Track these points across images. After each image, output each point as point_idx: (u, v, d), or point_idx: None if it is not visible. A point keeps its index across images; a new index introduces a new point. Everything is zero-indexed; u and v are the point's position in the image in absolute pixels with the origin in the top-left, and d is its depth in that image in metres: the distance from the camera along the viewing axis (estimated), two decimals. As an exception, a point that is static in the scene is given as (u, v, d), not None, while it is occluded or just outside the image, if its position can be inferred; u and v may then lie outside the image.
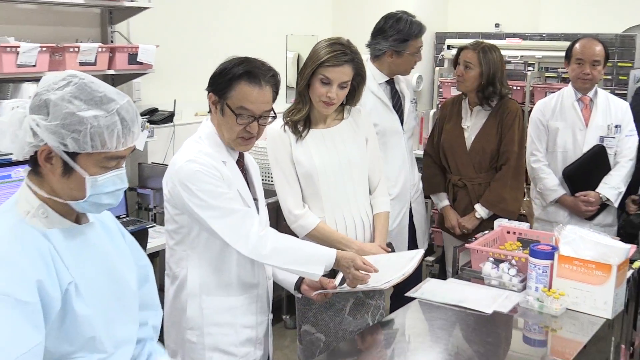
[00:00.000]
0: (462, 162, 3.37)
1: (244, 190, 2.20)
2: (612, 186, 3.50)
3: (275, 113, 2.16)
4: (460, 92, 3.47)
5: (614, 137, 3.52)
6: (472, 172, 3.36)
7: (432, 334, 2.31)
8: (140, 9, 3.89)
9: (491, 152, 3.31)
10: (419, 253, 2.43)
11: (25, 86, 3.35)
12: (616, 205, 3.56)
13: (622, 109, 3.60)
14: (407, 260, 2.35)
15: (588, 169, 3.51)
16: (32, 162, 1.47)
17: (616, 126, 3.53)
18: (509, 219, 3.15)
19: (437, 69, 5.30)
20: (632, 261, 2.71)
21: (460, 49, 3.35)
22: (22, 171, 1.55)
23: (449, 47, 5.19)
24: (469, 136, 3.35)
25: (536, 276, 2.53)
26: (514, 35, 5.19)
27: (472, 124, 3.35)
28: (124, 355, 1.62)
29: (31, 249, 1.41)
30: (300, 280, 2.34)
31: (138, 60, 3.84)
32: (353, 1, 5.37)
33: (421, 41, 3.23)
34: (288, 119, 2.58)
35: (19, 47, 3.23)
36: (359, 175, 2.67)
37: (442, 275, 3.57)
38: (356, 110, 2.67)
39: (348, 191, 2.65)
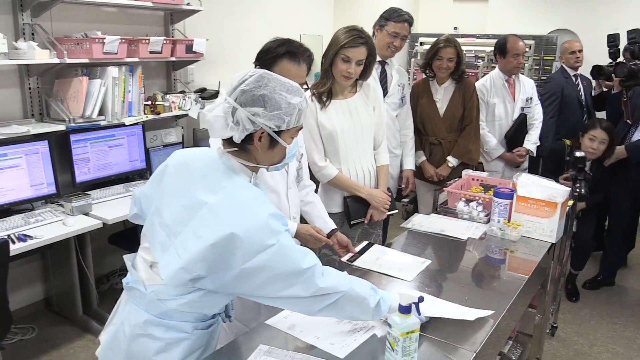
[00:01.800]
0: (438, 125, 3.29)
1: None
2: (533, 142, 3.63)
3: (308, 85, 2.01)
4: (426, 76, 3.35)
5: (529, 107, 3.61)
6: (445, 133, 3.29)
7: (422, 254, 2.20)
8: (194, 12, 3.77)
9: (459, 116, 3.26)
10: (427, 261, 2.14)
11: (110, 69, 3.19)
12: (535, 154, 3.69)
13: (531, 85, 3.69)
14: (421, 262, 2.07)
15: (518, 132, 3.59)
16: (239, 143, 1.41)
17: (529, 98, 3.62)
18: (473, 166, 3.24)
19: (412, 60, 5.21)
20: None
21: (439, 48, 3.18)
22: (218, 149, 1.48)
23: (421, 44, 5.05)
24: (441, 106, 3.28)
25: (499, 211, 2.44)
26: (469, 36, 5.13)
27: (442, 96, 3.28)
28: None
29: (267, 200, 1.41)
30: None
31: (193, 50, 3.68)
32: (350, 6, 5.21)
33: (401, 29, 2.95)
34: (315, 90, 2.42)
35: (104, 38, 3.07)
36: (368, 136, 2.54)
37: (415, 212, 3.49)
38: (366, 84, 2.52)
39: (360, 149, 2.53)
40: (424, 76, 3.41)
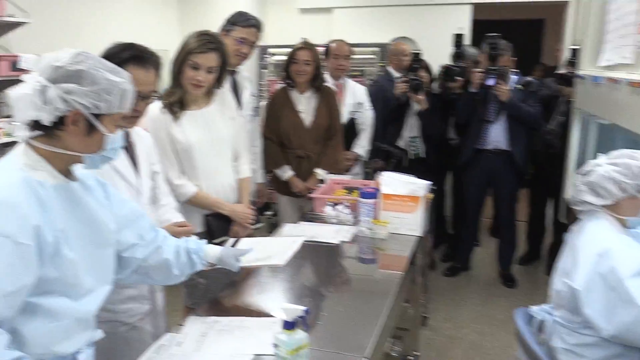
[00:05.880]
0: (304, 137, 3.10)
1: (127, 171, 1.81)
2: (362, 146, 3.52)
3: (158, 93, 1.81)
4: (284, 85, 3.18)
5: (360, 112, 3.53)
6: (311, 145, 3.10)
7: (297, 262, 2.11)
8: (19, 24, 3.32)
9: (324, 127, 3.11)
10: (300, 238, 2.11)
11: None
12: (366, 158, 3.61)
13: (361, 91, 3.62)
14: (291, 242, 2.03)
15: (346, 136, 3.41)
16: (47, 126, 1.20)
17: (360, 104, 3.54)
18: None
19: (264, 71, 5.12)
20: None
21: (295, 50, 3.05)
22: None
23: (271, 55, 4.98)
24: (306, 117, 3.10)
25: (366, 211, 2.43)
26: (317, 46, 5.12)
27: (306, 107, 3.11)
28: (98, 296, 1.35)
29: (31, 196, 1.17)
30: None
31: (19, 67, 3.22)
32: (196, 17, 5.01)
33: (249, 34, 2.79)
34: (165, 101, 2.21)
35: None
36: (227, 148, 2.37)
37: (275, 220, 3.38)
38: (222, 93, 2.36)
39: (219, 163, 2.35)
40: (278, 86, 3.29)
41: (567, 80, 3.50)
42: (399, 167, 3.59)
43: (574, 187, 1.82)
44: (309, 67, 3.00)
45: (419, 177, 2.64)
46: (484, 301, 3.61)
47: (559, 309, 1.84)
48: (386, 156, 3.70)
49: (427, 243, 3.00)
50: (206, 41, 2.13)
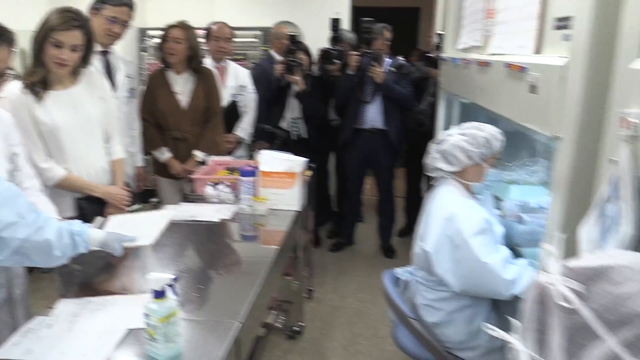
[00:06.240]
0: (182, 120, 3.08)
1: None
2: (244, 129, 3.55)
3: (14, 71, 1.72)
4: (162, 65, 3.14)
5: (242, 95, 3.56)
6: (188, 127, 3.09)
7: (176, 244, 2.13)
8: None
9: (203, 108, 3.10)
10: (168, 212, 2.17)
11: None
12: (249, 141, 3.64)
13: (244, 74, 3.65)
14: (160, 217, 2.06)
15: (228, 118, 3.42)
16: None
17: (243, 86, 3.57)
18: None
19: (144, 54, 4.96)
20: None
21: (166, 29, 3.03)
22: None
23: (151, 37, 4.83)
24: (183, 98, 3.08)
25: (246, 189, 2.50)
26: (197, 28, 5.05)
27: (183, 88, 3.08)
28: None
29: None
30: None
31: None
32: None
33: (120, 13, 2.70)
34: (25, 81, 2.10)
35: None
36: (97, 129, 2.29)
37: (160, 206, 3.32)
38: (90, 72, 2.27)
39: (89, 144, 2.26)
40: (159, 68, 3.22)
41: (434, 62, 3.77)
42: (283, 148, 3.66)
43: (429, 155, 2.01)
44: (180, 45, 2.98)
45: (303, 157, 2.74)
46: (367, 272, 3.82)
47: (419, 269, 2.04)
48: (270, 137, 3.77)
49: (308, 219, 3.13)
50: (69, 18, 2.04)
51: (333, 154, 4.42)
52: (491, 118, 2.45)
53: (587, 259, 0.68)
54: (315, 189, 3.77)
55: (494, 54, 2.17)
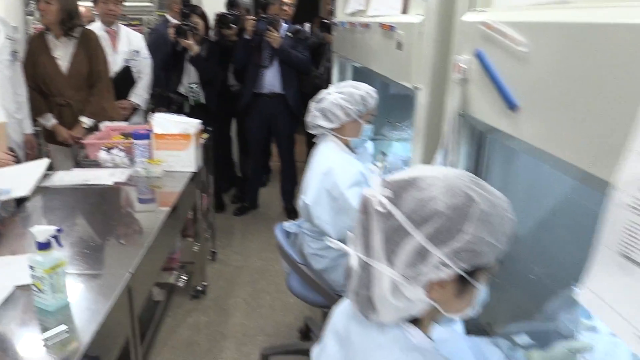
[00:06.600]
0: (63, 85, 3.00)
1: None
2: (139, 94, 3.51)
3: None
4: (42, 28, 3.04)
5: (136, 60, 3.49)
6: (72, 92, 3.01)
7: (71, 207, 2.12)
8: None
9: (85, 73, 3.02)
10: (44, 161, 2.13)
11: None
12: (144, 107, 3.58)
13: (137, 38, 3.58)
14: (36, 167, 2.04)
15: (121, 84, 3.37)
16: None
17: (136, 51, 3.51)
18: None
19: (30, 17, 4.65)
20: (202, 132, 2.88)
21: None
22: None
23: (37, 1, 4.53)
24: (63, 63, 2.99)
25: (140, 152, 2.51)
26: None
27: (63, 53, 2.99)
28: None
29: None
30: None
31: None
32: None
33: None
34: None
35: None
36: None
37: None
38: None
39: None
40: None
41: (328, 28, 3.90)
42: (181, 114, 3.66)
43: (310, 114, 2.13)
44: (50, 6, 2.88)
45: (202, 124, 2.77)
46: (271, 234, 3.85)
47: (304, 222, 2.18)
48: (167, 103, 3.74)
49: (207, 182, 3.19)
50: None
51: (235, 120, 4.46)
52: (382, 82, 2.61)
53: (401, 173, 0.82)
54: (217, 154, 3.82)
55: (372, 16, 2.31)
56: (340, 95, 2.04)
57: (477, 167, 1.30)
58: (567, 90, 0.79)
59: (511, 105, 0.93)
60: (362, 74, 3.13)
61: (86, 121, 3.05)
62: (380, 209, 0.78)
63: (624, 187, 0.61)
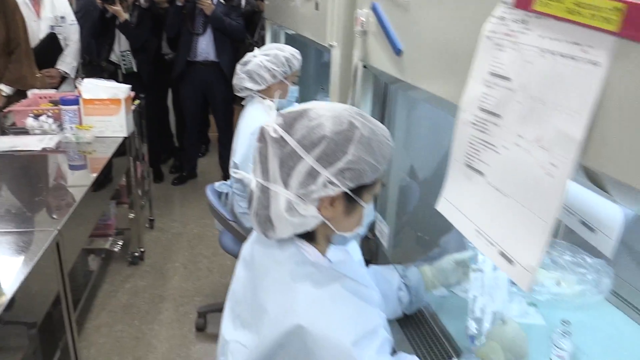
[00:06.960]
0: None
1: None
2: (67, 62, 3.44)
3: None
4: None
5: (62, 26, 3.39)
6: None
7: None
8: None
9: (2, 40, 2.88)
10: None
11: None
12: (73, 75, 3.50)
13: (63, 4, 3.46)
14: None
15: (47, 52, 3.28)
16: None
17: (62, 17, 3.40)
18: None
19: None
20: (134, 99, 2.88)
21: None
22: None
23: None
24: None
25: (69, 118, 2.50)
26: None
27: None
28: None
29: None
30: None
31: None
32: None
33: None
34: None
35: None
36: None
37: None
38: None
39: None
40: None
41: (261, -5, 3.93)
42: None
43: (236, 76, 2.19)
44: None
45: (136, 93, 2.74)
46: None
47: (235, 182, 2.25)
48: (99, 71, 3.68)
49: (140, 148, 3.20)
50: None
51: (170, 89, 4.43)
52: (317, 50, 2.67)
53: (295, 107, 0.92)
54: (152, 124, 3.81)
55: (297, -20, 2.37)
56: (265, 58, 2.11)
57: (382, 116, 1.42)
58: (440, 36, 0.90)
59: (396, 51, 1.03)
60: (294, 41, 3.19)
61: (4, 89, 2.94)
62: (275, 135, 0.87)
63: (466, 106, 0.73)
